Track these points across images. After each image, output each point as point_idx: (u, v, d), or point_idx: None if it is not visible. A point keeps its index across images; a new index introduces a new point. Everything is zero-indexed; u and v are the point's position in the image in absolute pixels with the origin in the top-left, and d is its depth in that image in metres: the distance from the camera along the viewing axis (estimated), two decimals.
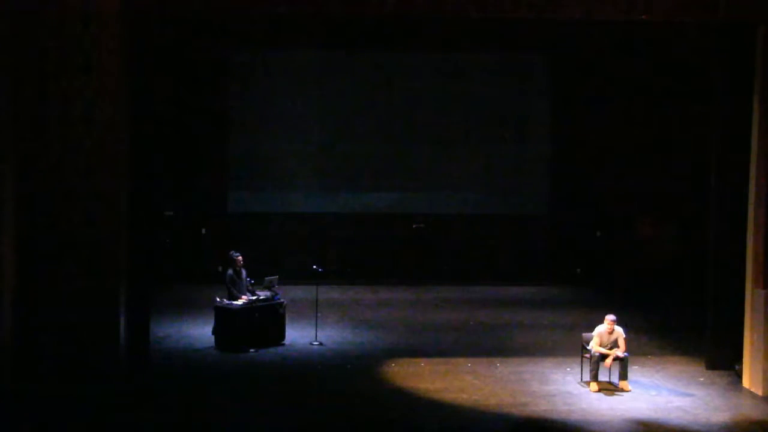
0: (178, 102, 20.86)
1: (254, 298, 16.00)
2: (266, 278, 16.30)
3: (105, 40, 12.59)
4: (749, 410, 13.24)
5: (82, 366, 12.60)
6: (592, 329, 14.17)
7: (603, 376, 14.07)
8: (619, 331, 14.08)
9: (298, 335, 16.60)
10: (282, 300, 16.33)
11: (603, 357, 13.89)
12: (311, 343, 16.23)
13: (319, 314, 16.71)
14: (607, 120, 22.25)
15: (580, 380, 14.25)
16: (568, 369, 14.81)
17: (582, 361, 14.32)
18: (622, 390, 13.83)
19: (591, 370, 13.94)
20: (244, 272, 16.21)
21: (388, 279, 21.89)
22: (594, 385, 13.85)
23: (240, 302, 15.79)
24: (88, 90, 12.60)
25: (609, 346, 14.02)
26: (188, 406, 13.00)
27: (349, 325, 17.84)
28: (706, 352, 15.16)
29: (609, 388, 13.92)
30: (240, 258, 16.15)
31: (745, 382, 14.20)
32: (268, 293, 16.15)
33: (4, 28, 12.28)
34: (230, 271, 16.04)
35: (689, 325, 17.08)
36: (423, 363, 15.17)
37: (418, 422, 12.55)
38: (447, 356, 15.64)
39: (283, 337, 16.23)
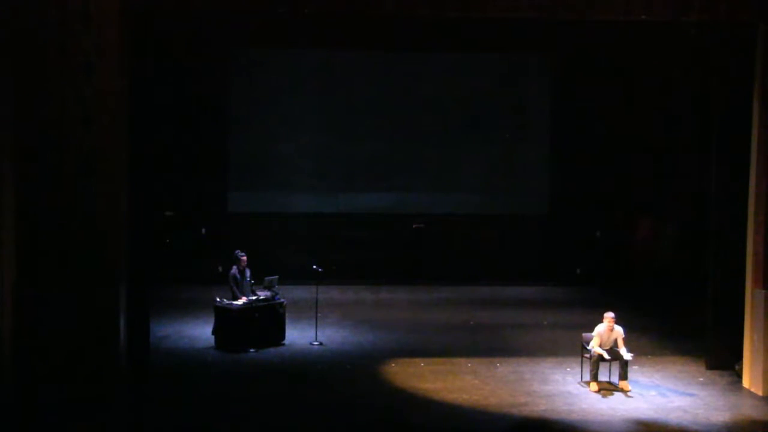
0: (178, 102, 20.85)
1: (254, 298, 16.01)
2: (266, 278, 16.30)
3: (105, 40, 12.58)
4: (749, 410, 13.25)
5: (82, 366, 12.59)
6: (592, 329, 14.17)
7: (603, 376, 14.08)
8: (618, 330, 14.09)
9: (298, 335, 16.60)
10: (282, 300, 16.33)
11: (603, 357, 13.89)
12: (311, 343, 16.23)
13: (319, 314, 16.72)
14: (607, 120, 22.25)
15: (580, 380, 14.25)
16: (568, 369, 14.81)
17: (582, 361, 14.33)
18: (622, 390, 13.83)
19: (591, 370, 13.94)
20: (248, 272, 16.21)
21: (388, 279, 21.89)
22: (594, 385, 13.85)
23: (240, 302, 15.79)
24: (88, 90, 12.58)
25: (609, 345, 14.02)
26: (188, 406, 13.01)
27: (349, 325, 17.84)
28: (706, 352, 15.17)
29: (609, 388, 13.92)
30: (245, 258, 16.14)
31: (745, 382, 14.21)
32: (268, 293, 16.15)
33: (4, 28, 12.27)
34: (233, 270, 16.05)
35: (689, 325, 17.08)
36: (423, 363, 15.17)
37: (418, 422, 12.55)
38: (447, 356, 15.64)
39: (283, 337, 16.24)
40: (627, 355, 13.86)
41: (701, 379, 14.58)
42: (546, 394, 13.69)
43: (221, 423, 12.37)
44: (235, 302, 15.81)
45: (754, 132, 14.15)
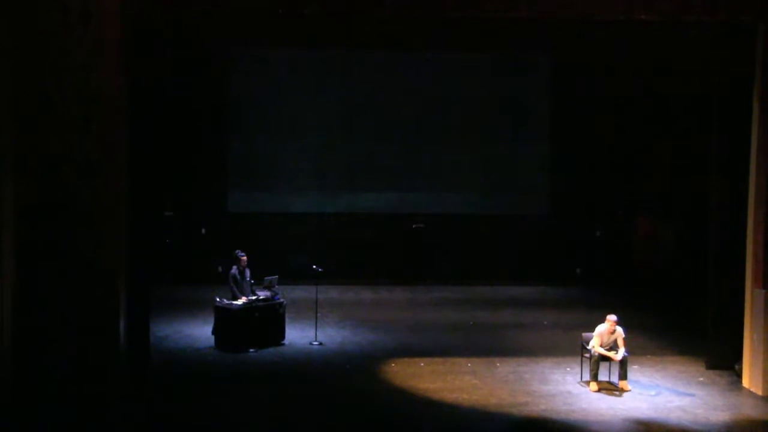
0: (178, 102, 20.85)
1: (254, 298, 16.01)
2: (266, 278, 16.30)
3: (105, 40, 12.58)
4: (749, 410, 13.25)
5: (82, 366, 12.59)
6: (592, 329, 14.17)
7: (603, 376, 14.08)
8: (619, 331, 14.09)
9: (298, 335, 16.61)
10: (282, 300, 16.33)
11: (603, 357, 13.90)
12: (311, 343, 16.23)
13: (319, 314, 16.71)
14: (607, 120, 22.25)
15: (580, 380, 14.25)
16: (568, 369, 14.81)
17: (582, 361, 14.33)
18: (622, 390, 13.83)
19: (591, 370, 13.94)
20: (248, 272, 16.21)
21: (388, 279, 21.90)
22: (594, 385, 13.85)
23: (240, 302, 15.79)
24: (88, 90, 12.57)
25: (609, 346, 14.02)
26: (188, 406, 13.01)
27: (349, 325, 17.85)
28: (706, 352, 15.17)
29: (609, 388, 13.92)
30: (245, 258, 16.14)
31: (745, 382, 14.21)
32: (268, 293, 16.16)
33: (3, 28, 12.26)
34: (233, 270, 16.06)
35: (689, 325, 17.08)
36: (423, 363, 15.17)
37: (418, 422, 12.55)
38: (447, 356, 15.64)
39: (283, 337, 16.24)
40: (621, 351, 13.85)
41: (701, 379, 14.58)
42: (546, 394, 13.69)
43: (221, 423, 12.37)
44: (235, 302, 15.81)
45: (754, 132, 14.15)
